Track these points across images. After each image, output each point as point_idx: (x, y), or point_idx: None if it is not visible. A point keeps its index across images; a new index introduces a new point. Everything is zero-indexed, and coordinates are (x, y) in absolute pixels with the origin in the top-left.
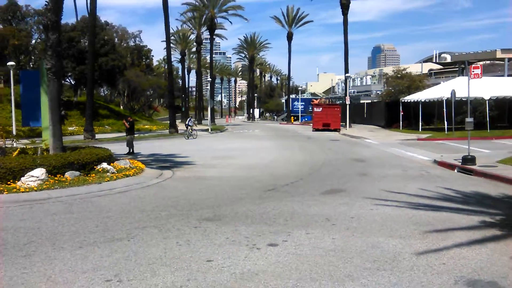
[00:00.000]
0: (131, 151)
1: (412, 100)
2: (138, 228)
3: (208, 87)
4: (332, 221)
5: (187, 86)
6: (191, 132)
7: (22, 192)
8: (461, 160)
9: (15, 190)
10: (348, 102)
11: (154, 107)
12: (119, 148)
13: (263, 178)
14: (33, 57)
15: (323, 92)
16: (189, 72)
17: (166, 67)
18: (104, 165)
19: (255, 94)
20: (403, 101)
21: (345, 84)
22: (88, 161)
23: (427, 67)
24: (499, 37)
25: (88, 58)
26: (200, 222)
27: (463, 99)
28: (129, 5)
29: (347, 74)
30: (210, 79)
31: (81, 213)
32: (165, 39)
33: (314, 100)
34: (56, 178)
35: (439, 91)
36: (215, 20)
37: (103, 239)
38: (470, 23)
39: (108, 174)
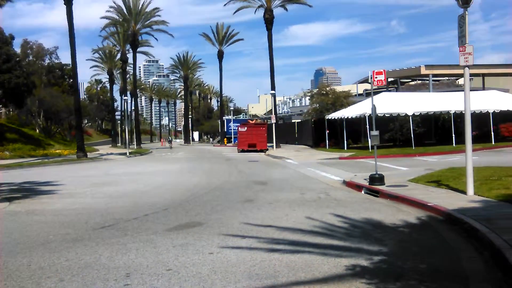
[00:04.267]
0: None
1: (337, 118)
2: None
3: (151, 110)
4: (131, 278)
5: (121, 109)
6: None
7: None
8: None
9: None
10: (273, 121)
11: (86, 131)
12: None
13: (118, 210)
14: None
15: (264, 114)
16: (121, 93)
17: (98, 88)
18: None
19: (189, 116)
20: (328, 118)
21: (273, 101)
22: None
23: (363, 87)
24: (432, 60)
25: None
26: None
27: (386, 115)
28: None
29: (272, 91)
30: (148, 101)
31: None
32: (91, 57)
33: (250, 121)
34: None
35: (363, 108)
36: (139, 36)
37: None
38: (406, 48)
39: None
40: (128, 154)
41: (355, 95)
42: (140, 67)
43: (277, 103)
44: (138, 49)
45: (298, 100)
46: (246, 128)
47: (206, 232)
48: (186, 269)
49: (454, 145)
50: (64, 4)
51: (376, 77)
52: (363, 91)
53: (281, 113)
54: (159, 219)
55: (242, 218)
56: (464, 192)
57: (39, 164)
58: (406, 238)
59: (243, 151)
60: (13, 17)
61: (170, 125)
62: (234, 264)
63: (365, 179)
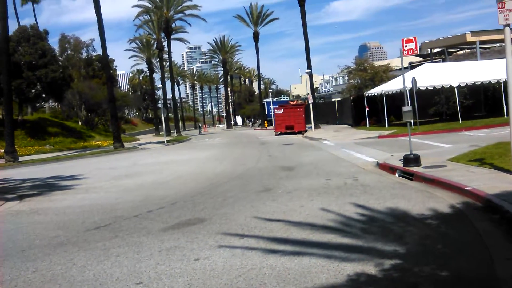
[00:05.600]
0: None
1: (377, 94)
2: None
3: (193, 96)
4: None
5: (163, 97)
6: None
7: None
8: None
9: None
10: (310, 101)
11: (132, 121)
12: (30, 171)
13: (124, 206)
14: None
15: (306, 94)
16: (163, 81)
17: (140, 78)
18: None
19: (230, 100)
20: (367, 95)
21: (310, 81)
22: None
23: (407, 60)
24: (483, 27)
25: (23, 70)
26: None
27: (429, 88)
28: (114, 19)
29: (307, 70)
30: (191, 88)
31: None
32: (128, 48)
33: (291, 102)
34: None
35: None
36: (172, 23)
37: None
38: (454, 16)
39: None
40: (165, 142)
41: (399, 68)
42: (182, 54)
43: (319, 82)
44: (173, 36)
45: (341, 78)
46: (282, 110)
47: (204, 231)
48: (158, 283)
49: (505, 116)
50: None
51: (406, 46)
52: (408, 63)
53: (323, 92)
54: (161, 216)
55: (251, 211)
56: (510, 171)
57: (75, 157)
58: (431, 233)
59: (280, 133)
60: (59, 14)
61: (214, 110)
62: (217, 274)
63: (400, 160)
